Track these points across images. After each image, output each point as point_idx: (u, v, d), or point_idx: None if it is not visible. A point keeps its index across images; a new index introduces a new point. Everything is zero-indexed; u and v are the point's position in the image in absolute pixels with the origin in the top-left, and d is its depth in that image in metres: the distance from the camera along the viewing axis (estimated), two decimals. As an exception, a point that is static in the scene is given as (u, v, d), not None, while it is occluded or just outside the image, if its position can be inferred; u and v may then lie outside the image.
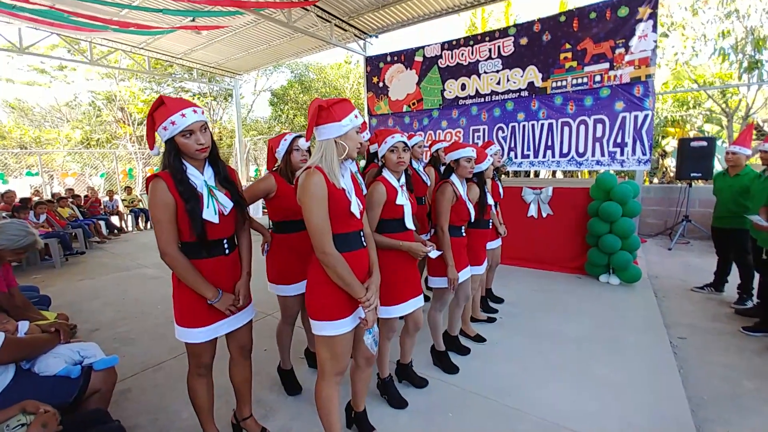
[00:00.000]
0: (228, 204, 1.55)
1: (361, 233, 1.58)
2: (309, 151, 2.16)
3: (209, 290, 1.51)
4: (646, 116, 5.24)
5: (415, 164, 3.16)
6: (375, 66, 7.81)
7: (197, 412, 1.74)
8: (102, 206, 8.49)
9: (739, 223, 3.24)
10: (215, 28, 7.15)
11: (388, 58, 7.60)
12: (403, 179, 1.92)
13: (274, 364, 2.53)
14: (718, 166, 6.25)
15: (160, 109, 1.43)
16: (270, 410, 2.17)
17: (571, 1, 10.09)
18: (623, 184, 3.81)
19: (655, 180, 8.88)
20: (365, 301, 1.47)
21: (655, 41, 5.23)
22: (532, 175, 8.96)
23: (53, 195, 7.84)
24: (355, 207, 1.49)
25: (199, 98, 16.80)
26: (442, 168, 2.45)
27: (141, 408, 2.23)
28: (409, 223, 1.90)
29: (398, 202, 1.83)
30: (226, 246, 1.60)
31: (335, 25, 7.41)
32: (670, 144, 8.68)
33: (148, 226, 9.06)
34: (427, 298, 3.65)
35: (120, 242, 7.52)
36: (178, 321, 1.56)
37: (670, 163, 8.57)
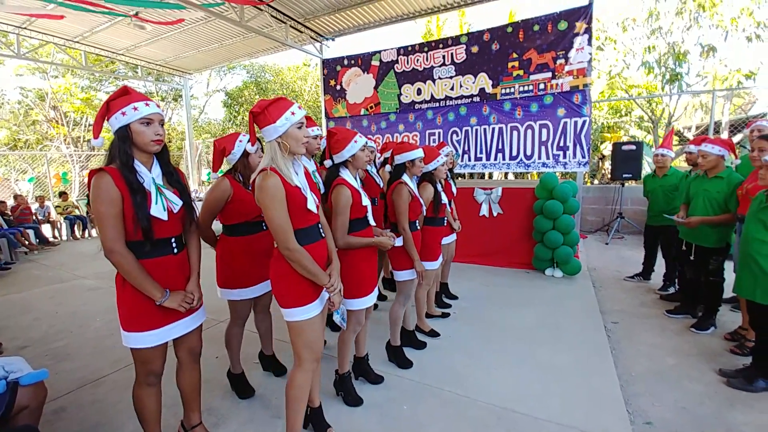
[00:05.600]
0: (177, 202, 1.53)
1: (319, 225, 1.66)
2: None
3: (157, 290, 1.46)
4: (584, 122, 5.67)
5: (367, 166, 3.23)
6: (332, 69, 7.81)
7: (143, 425, 1.66)
8: (33, 214, 7.73)
9: (670, 220, 3.61)
10: (168, 24, 6.78)
11: (345, 62, 7.63)
12: (359, 178, 1.99)
13: (226, 372, 2.47)
14: (646, 168, 6.90)
15: (123, 97, 1.42)
16: (221, 418, 2.11)
17: (519, 13, 10.72)
18: (564, 184, 4.12)
19: (596, 181, 9.61)
20: (330, 287, 1.59)
21: (591, 53, 5.68)
22: (486, 176, 9.36)
23: (-28, 201, 7.02)
24: (312, 203, 1.56)
25: (145, 98, 15.80)
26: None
27: (78, 427, 2.07)
28: (372, 220, 2.01)
29: (363, 203, 1.93)
30: (174, 245, 1.56)
31: (291, 26, 7.33)
32: (607, 148, 9.45)
33: (86, 234, 8.38)
34: (383, 297, 3.73)
35: (53, 252, 6.89)
36: (124, 326, 1.48)
37: (608, 165, 9.32)
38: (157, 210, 1.44)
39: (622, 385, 2.36)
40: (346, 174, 1.92)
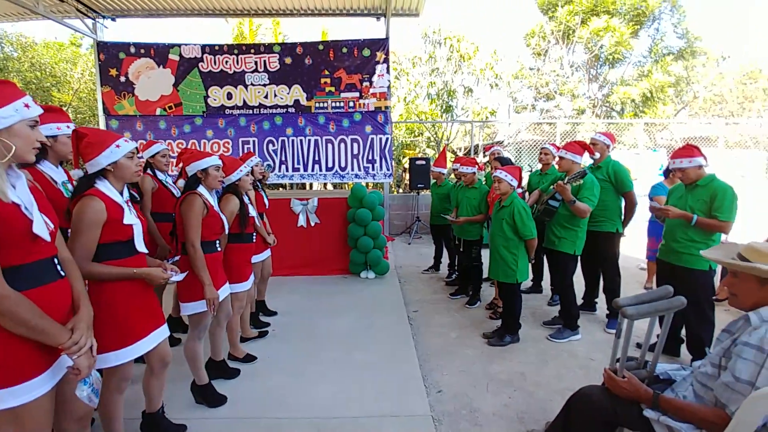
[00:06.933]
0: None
1: (55, 260, 1.21)
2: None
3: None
4: (387, 139, 6.51)
5: (160, 175, 2.75)
6: (113, 55, 6.34)
7: None
8: None
9: (444, 220, 4.49)
10: None
11: (132, 50, 6.34)
12: (126, 193, 1.60)
13: None
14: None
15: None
16: None
17: (331, 32, 11.47)
18: (371, 194, 4.60)
19: (401, 190, 11.16)
20: (71, 346, 1.14)
21: (389, 81, 6.58)
22: (308, 187, 9.49)
23: None
24: (41, 227, 1.12)
25: None
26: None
27: None
28: (140, 245, 1.60)
29: (126, 221, 1.52)
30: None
31: (42, -11, 5.55)
32: (407, 162, 11.17)
33: None
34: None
35: None
36: None
37: (408, 177, 11.00)
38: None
39: (421, 365, 2.75)
40: (103, 185, 1.50)
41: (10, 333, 1.06)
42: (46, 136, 1.69)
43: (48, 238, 1.15)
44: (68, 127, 1.91)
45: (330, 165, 6.48)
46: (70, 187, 1.87)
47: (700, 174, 2.56)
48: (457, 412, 2.25)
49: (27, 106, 1.12)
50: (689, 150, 2.57)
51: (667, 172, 4.08)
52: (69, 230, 1.68)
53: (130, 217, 1.55)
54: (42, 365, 1.13)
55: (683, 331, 2.80)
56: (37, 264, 1.14)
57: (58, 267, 1.22)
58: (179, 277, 1.75)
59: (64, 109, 6.59)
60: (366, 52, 6.40)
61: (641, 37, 13.12)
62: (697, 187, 2.56)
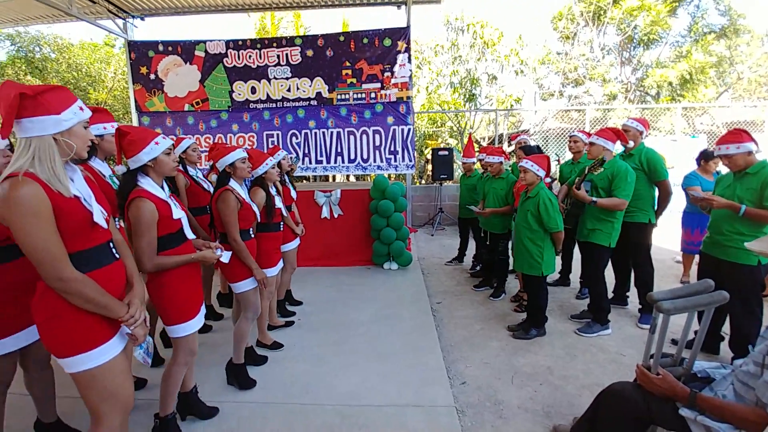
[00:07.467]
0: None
1: (111, 243, 1.35)
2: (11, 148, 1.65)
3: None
4: (409, 130, 6.45)
5: (191, 171, 2.85)
6: (143, 54, 6.57)
7: None
8: None
9: (472, 212, 4.42)
10: None
11: (161, 48, 6.54)
12: (166, 187, 1.70)
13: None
14: (458, 170, 8.31)
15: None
16: None
17: (352, 23, 11.40)
18: (393, 185, 4.58)
19: (423, 181, 11.07)
20: (128, 319, 1.31)
21: (411, 70, 6.49)
22: (331, 179, 9.59)
23: None
24: (100, 217, 1.25)
25: None
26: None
27: None
28: (189, 232, 1.76)
29: (175, 216, 1.66)
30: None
31: (77, -8, 5.79)
32: (430, 153, 11.05)
33: None
34: (219, 316, 3.36)
35: None
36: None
37: (431, 167, 10.88)
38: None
39: (444, 356, 2.75)
40: (146, 183, 1.61)
41: (79, 308, 1.22)
42: (95, 135, 1.84)
43: (105, 226, 1.29)
44: (113, 126, 2.06)
45: (352, 157, 6.50)
46: (115, 179, 2.03)
47: (750, 161, 2.36)
48: (481, 403, 2.25)
49: (81, 108, 1.23)
50: (737, 135, 2.38)
51: (699, 160, 3.83)
52: (117, 218, 1.84)
53: (177, 211, 1.68)
54: (110, 332, 1.31)
55: (724, 328, 2.66)
56: (97, 249, 1.28)
57: (114, 250, 1.35)
58: (227, 256, 1.93)
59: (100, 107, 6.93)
60: (387, 42, 6.33)
61: (679, 15, 12.31)
62: (747, 175, 2.37)
